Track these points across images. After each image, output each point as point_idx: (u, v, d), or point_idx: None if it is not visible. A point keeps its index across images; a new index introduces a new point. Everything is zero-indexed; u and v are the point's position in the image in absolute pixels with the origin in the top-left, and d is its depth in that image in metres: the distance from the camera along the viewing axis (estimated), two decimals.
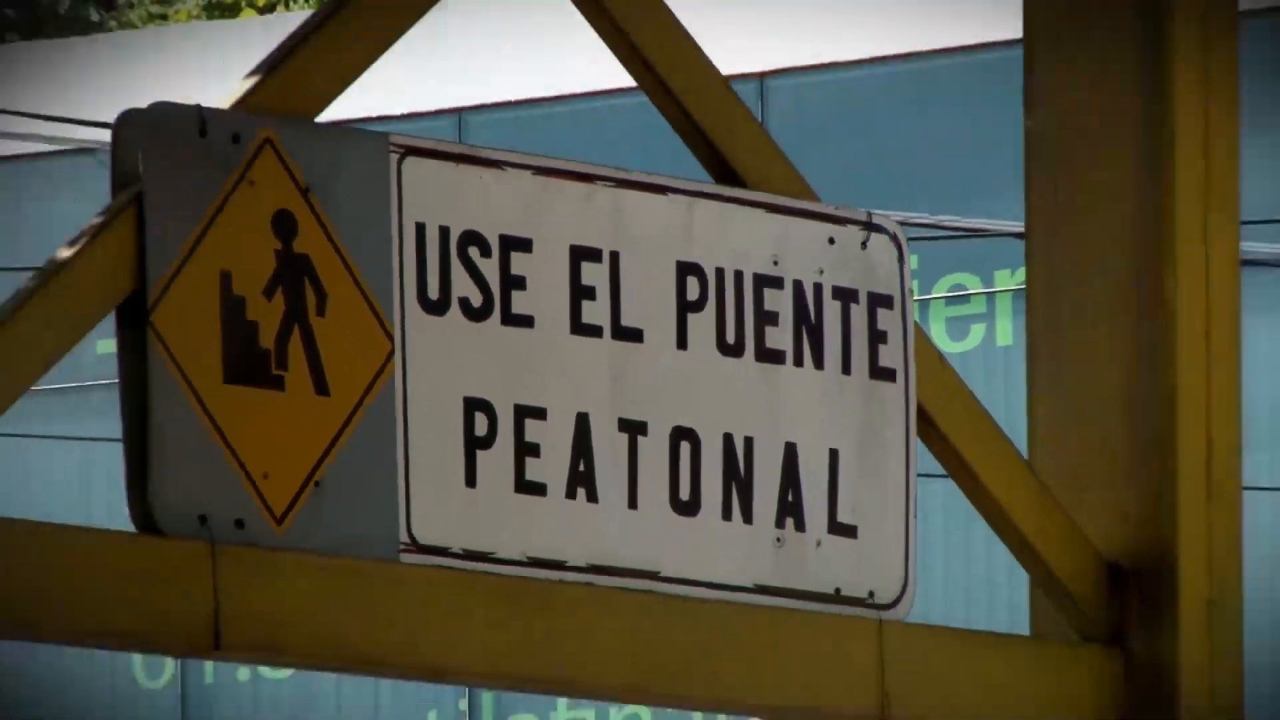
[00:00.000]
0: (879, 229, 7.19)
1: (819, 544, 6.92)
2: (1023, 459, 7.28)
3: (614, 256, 6.94)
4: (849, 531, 6.96)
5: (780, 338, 7.06)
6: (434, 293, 6.65)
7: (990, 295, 13.63)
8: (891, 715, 7.21)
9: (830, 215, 7.16)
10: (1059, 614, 7.24)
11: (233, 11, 22.96)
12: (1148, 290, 7.48)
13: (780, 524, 6.89)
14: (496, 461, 6.67)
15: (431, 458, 6.57)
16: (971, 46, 14.03)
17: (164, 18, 23.13)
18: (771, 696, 7.70)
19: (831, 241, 7.13)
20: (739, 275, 7.05)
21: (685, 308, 6.99)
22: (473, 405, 6.64)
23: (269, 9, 23.65)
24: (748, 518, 6.91)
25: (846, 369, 7.10)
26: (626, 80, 7.17)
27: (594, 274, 6.92)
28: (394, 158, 6.70)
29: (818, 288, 7.13)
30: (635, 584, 6.70)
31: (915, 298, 7.26)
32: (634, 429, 6.85)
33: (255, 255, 6.52)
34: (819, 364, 7.06)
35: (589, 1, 7.15)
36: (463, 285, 6.71)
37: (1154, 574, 7.23)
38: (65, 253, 6.46)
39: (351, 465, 6.49)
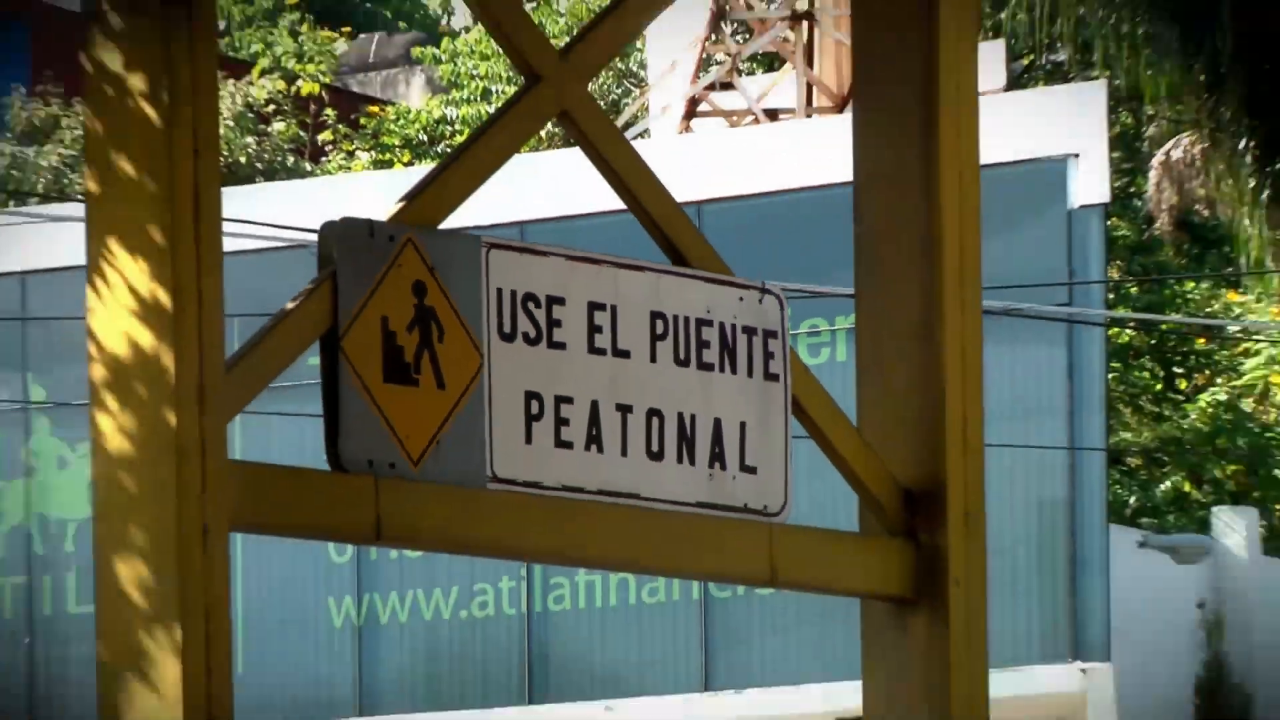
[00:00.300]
0: (769, 291, 7.19)
1: (734, 477, 6.92)
2: (854, 427, 7.26)
3: (614, 308, 6.93)
4: (752, 470, 6.99)
5: (711, 355, 7.06)
6: (506, 328, 6.64)
7: (834, 330, 13.58)
8: (778, 579, 7.28)
9: (740, 284, 7.15)
10: (875, 520, 7.20)
11: (389, 165, 23.01)
12: (928, 327, 7.46)
13: (711, 465, 6.89)
14: (543, 429, 6.69)
15: (505, 426, 6.58)
16: (827, 185, 13.90)
17: (349, 168, 23.23)
18: (707, 567, 7.75)
19: (741, 299, 7.13)
20: (687, 319, 7.05)
21: (655, 338, 6.98)
22: (529, 395, 6.65)
23: (410, 164, 23.74)
24: (692, 461, 6.91)
25: (750, 374, 7.11)
26: (620, 204, 7.16)
27: (601, 318, 6.91)
28: (483, 250, 6.69)
29: (734, 326, 7.14)
30: (625, 501, 6.75)
31: (790, 332, 7.29)
32: (625, 409, 6.86)
33: (402, 307, 6.53)
34: (734, 371, 7.08)
35: (599, 157, 7.13)
36: (524, 324, 6.70)
37: (932, 495, 7.24)
38: (290, 305, 6.45)
39: (459, 430, 6.50)
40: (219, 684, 6.23)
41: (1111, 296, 16.57)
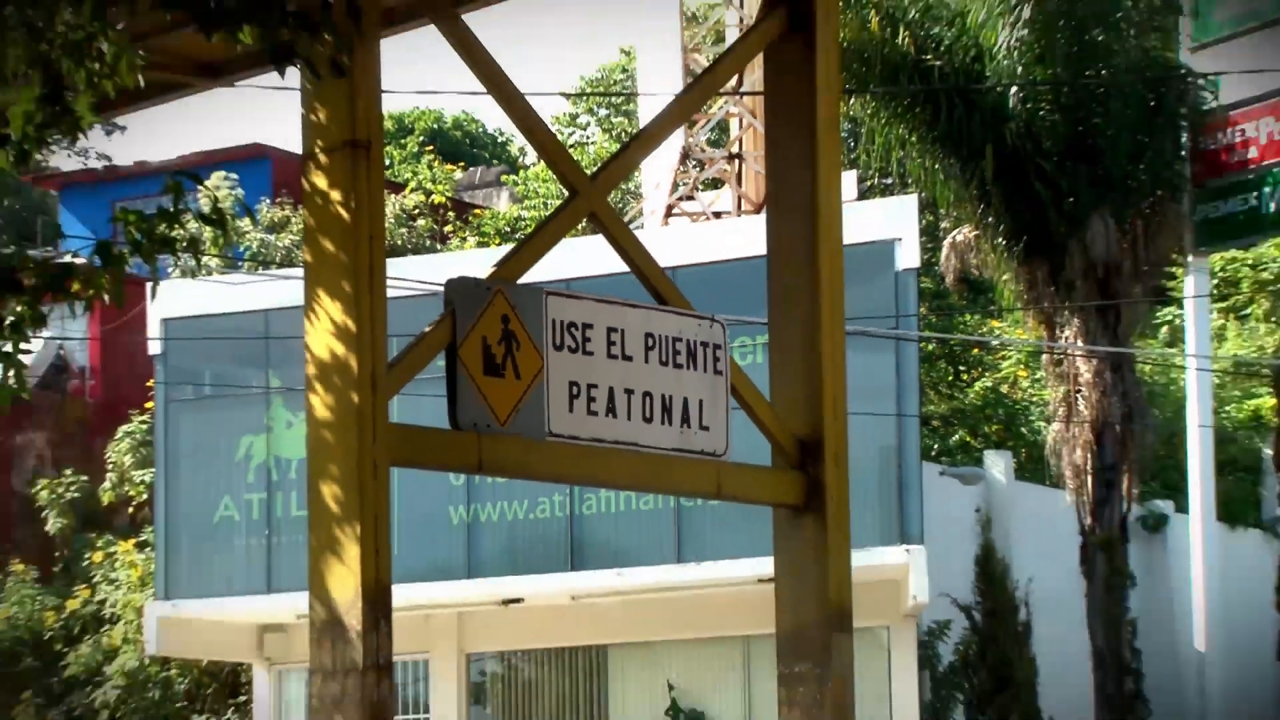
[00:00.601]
0: (715, 320, 7.08)
1: (696, 433, 6.86)
2: (768, 402, 7.16)
3: (622, 330, 6.82)
4: (706, 429, 6.93)
5: (682, 359, 6.95)
6: (557, 343, 6.51)
7: (755, 345, 13.44)
8: (722, 494, 7.29)
9: (698, 315, 7.04)
10: (781, 458, 7.09)
11: (487, 246, 22.68)
12: (812, 342, 7.33)
13: (681, 426, 6.81)
14: (580, 404, 6.59)
15: (556, 402, 6.47)
16: (751, 257, 13.72)
17: (462, 248, 22.90)
18: (679, 487, 7.77)
19: (699, 325, 7.01)
20: (667, 336, 6.92)
21: (647, 349, 6.84)
22: (571, 383, 6.50)
23: (499, 245, 23.48)
24: (670, 424, 6.84)
25: (705, 370, 6.97)
26: (626, 268, 7.10)
27: (615, 336, 6.80)
28: (544, 296, 6.56)
29: (695, 341, 7.02)
30: (629, 448, 6.71)
31: (729, 345, 7.21)
32: (629, 392, 6.75)
33: (494, 330, 6.40)
34: (695, 369, 6.94)
35: (614, 241, 7.09)
36: (568, 340, 6.57)
37: (816, 443, 7.13)
38: (427, 329, 6.40)
39: (528, 404, 6.38)
40: (382, 559, 6.17)
41: (921, 324, 16.48)
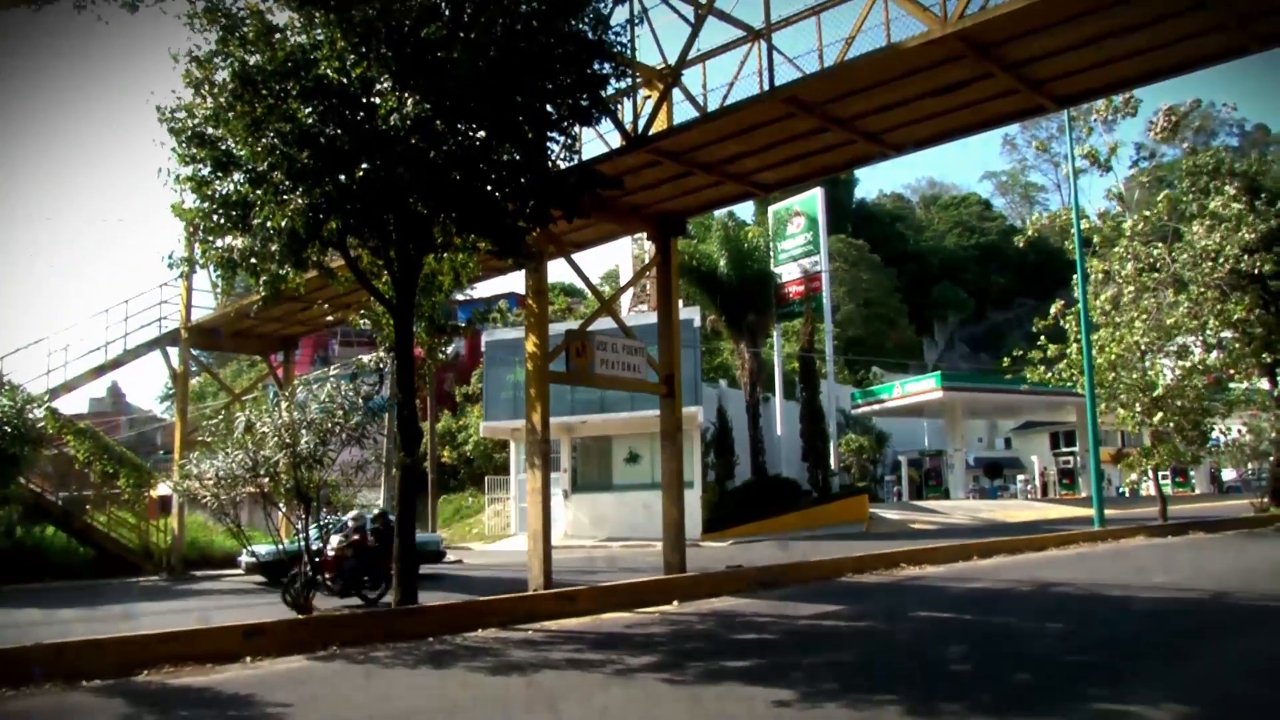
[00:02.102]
0: (642, 342, 6.52)
1: (637, 373, 6.26)
2: (657, 362, 6.69)
3: (617, 344, 6.26)
4: (639, 372, 6.29)
5: (634, 353, 6.38)
6: (597, 348, 6.05)
7: (653, 347, 11.80)
8: (645, 388, 6.63)
9: (639, 341, 6.46)
10: (661, 379, 6.54)
11: (576, 321, 19.56)
12: (670, 353, 6.62)
13: (633, 372, 6.27)
14: (606, 365, 6.04)
15: (598, 363, 5.97)
16: (652, 323, 12.10)
17: (569, 319, 19.51)
18: (631, 389, 6.86)
19: (639, 344, 6.42)
20: (630, 346, 6.35)
21: (624, 350, 6.34)
22: (601, 359, 5.98)
23: (581, 319, 20.11)
24: (630, 371, 6.24)
25: (641, 356, 6.44)
26: (615, 327, 6.54)
27: (615, 345, 6.23)
28: (595, 335, 6.11)
29: (636, 347, 6.43)
30: (619, 378, 6.11)
31: (648, 350, 6.65)
32: (620, 363, 6.19)
33: (578, 344, 5.96)
34: (638, 355, 6.43)
35: (614, 319, 6.60)
36: (600, 348, 6.09)
37: (670, 375, 6.40)
38: (559, 344, 5.99)
39: (590, 364, 5.97)
40: (547, 410, 5.73)
41: (700, 345, 15.96)
